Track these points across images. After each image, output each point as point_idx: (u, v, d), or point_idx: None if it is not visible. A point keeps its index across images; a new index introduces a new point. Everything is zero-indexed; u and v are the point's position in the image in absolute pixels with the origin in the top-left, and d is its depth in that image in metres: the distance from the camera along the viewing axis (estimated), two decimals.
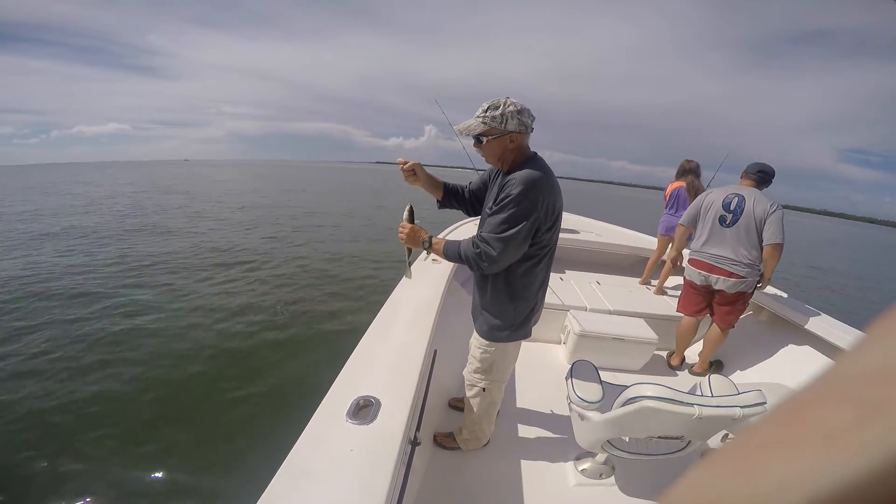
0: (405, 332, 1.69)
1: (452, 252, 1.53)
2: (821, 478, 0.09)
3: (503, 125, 1.38)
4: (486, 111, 1.39)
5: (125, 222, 11.70)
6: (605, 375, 1.88)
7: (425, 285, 2.22)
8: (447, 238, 1.60)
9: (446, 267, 2.60)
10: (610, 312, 3.19)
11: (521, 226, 1.38)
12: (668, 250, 4.09)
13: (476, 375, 1.75)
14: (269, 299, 5.90)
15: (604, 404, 1.63)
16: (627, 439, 1.67)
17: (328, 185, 34.41)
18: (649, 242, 4.58)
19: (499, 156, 1.47)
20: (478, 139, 1.44)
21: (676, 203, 3.95)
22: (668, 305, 3.54)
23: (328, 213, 16.17)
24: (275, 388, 3.75)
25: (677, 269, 4.18)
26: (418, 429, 1.35)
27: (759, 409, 1.38)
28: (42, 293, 5.62)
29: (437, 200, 1.82)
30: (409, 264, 1.89)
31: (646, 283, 4.21)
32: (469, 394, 1.79)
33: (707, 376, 1.73)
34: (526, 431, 2.16)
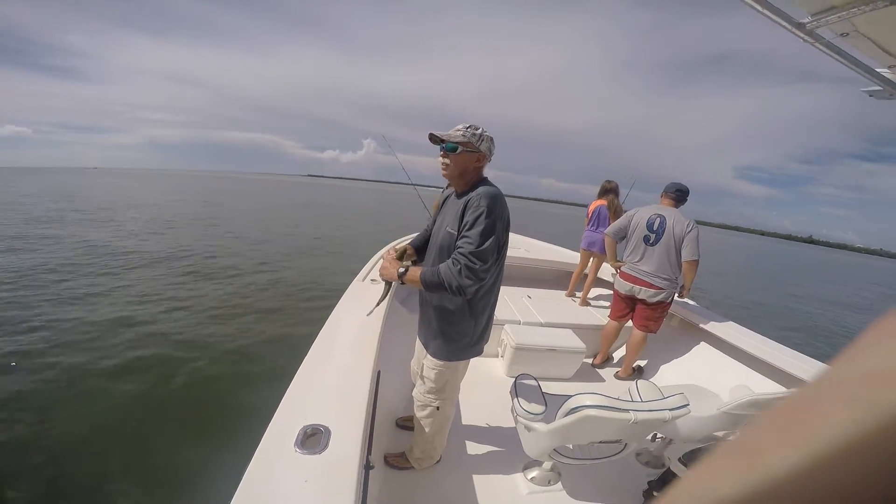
0: (348, 354, 1.63)
1: (431, 278, 1.48)
2: (823, 479, 0.09)
3: (479, 143, 1.54)
4: (466, 128, 1.54)
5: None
6: (541, 385, 1.98)
7: (364, 305, 2.18)
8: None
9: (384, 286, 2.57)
10: (541, 325, 3.36)
11: (493, 237, 1.46)
12: (589, 263, 4.42)
13: (429, 396, 1.73)
14: (193, 322, 5.35)
15: (547, 415, 1.70)
16: (571, 446, 1.75)
17: (255, 199, 31.74)
18: (573, 257, 4.92)
19: (463, 169, 1.57)
20: (454, 147, 1.53)
21: (597, 220, 4.27)
22: (592, 316, 3.81)
23: (250, 228, 15.11)
24: (211, 419, 3.41)
25: (600, 282, 4.53)
26: (369, 452, 1.31)
27: (684, 410, 1.53)
28: None
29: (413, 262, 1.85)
30: (378, 302, 1.80)
31: (571, 295, 4.50)
32: (422, 414, 1.76)
33: (634, 382, 1.89)
34: (474, 446, 2.18)
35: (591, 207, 4.37)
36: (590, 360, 3.42)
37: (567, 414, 1.52)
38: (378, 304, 1.82)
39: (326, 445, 1.07)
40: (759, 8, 1.15)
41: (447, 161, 1.55)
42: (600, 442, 1.68)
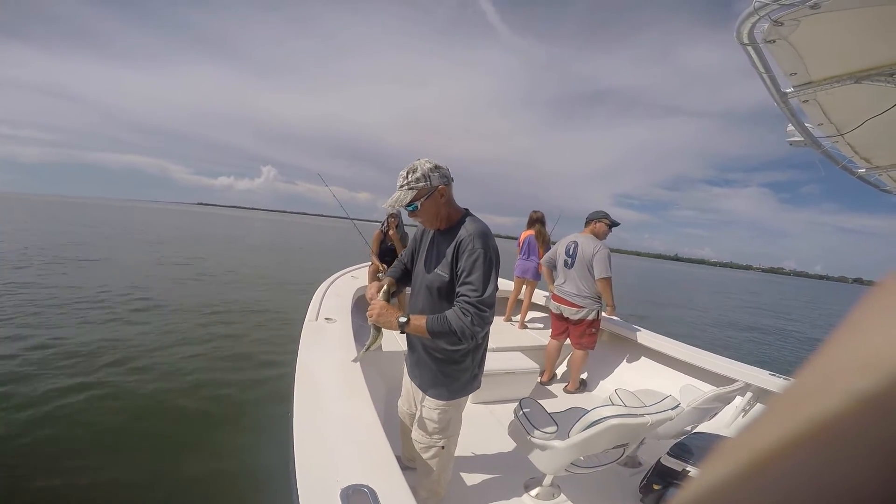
0: (341, 401, 1.55)
1: (440, 328, 1.42)
2: (832, 475, 0.09)
3: (429, 183, 1.46)
4: (407, 179, 1.45)
5: None
6: (507, 406, 2.06)
7: (331, 349, 2.09)
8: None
9: (344, 327, 2.49)
10: (492, 350, 3.52)
11: (495, 279, 1.46)
12: (522, 289, 4.75)
13: (434, 437, 1.69)
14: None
15: (560, 432, 1.80)
16: (583, 457, 1.86)
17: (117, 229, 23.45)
18: (507, 284, 5.23)
19: (435, 214, 1.53)
20: (411, 206, 1.48)
21: (528, 249, 4.66)
22: (533, 337, 4.10)
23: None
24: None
25: (533, 306, 4.87)
26: None
27: (679, 409, 1.78)
28: None
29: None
30: (368, 347, 1.67)
31: (508, 319, 4.77)
32: (427, 455, 1.71)
33: (615, 391, 2.10)
34: (469, 477, 2.17)
35: (522, 238, 4.75)
36: (539, 379, 3.64)
37: (587, 427, 1.66)
38: (367, 350, 1.70)
39: None
40: (768, 82, 1.47)
41: (419, 219, 1.56)
42: (612, 448, 1.84)
